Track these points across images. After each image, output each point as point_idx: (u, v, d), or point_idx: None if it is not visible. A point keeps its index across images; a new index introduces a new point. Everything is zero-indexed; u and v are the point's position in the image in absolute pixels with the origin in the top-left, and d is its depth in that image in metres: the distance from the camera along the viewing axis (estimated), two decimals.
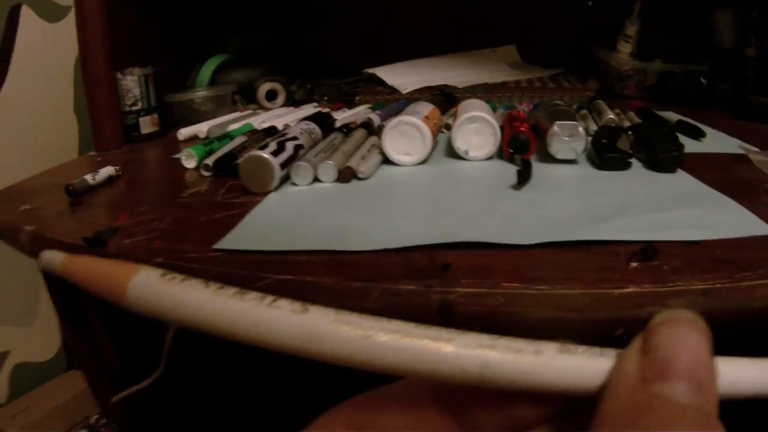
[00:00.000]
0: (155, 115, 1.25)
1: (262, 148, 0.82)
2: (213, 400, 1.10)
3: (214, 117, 1.30)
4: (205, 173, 0.92)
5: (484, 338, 0.30)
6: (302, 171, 0.83)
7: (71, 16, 1.48)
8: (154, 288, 0.26)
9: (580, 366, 0.29)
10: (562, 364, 0.29)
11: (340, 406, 0.33)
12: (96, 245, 0.65)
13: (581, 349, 0.30)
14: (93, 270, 0.27)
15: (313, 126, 0.96)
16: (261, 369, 1.11)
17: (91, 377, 0.95)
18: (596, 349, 0.30)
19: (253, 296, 0.28)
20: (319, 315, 0.28)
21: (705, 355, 0.28)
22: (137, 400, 0.92)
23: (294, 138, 0.88)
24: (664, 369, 0.27)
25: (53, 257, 0.26)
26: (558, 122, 0.87)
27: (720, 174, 0.84)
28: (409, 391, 0.34)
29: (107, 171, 0.91)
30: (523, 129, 0.90)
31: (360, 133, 0.99)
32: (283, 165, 0.81)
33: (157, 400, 0.98)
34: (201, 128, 1.21)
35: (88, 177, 0.87)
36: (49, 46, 1.62)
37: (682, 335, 0.28)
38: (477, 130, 0.92)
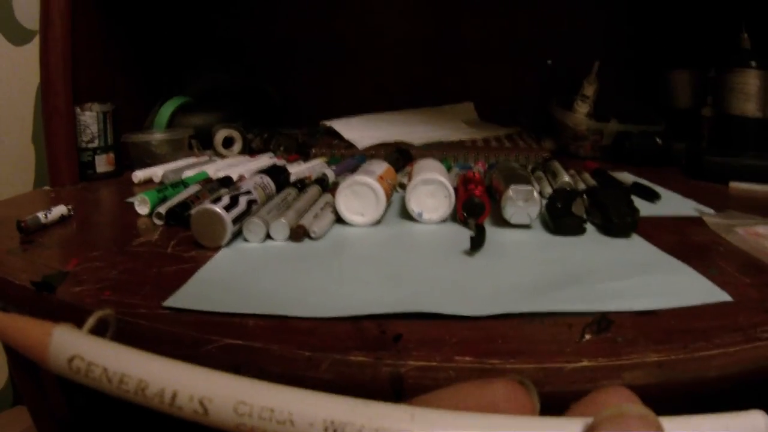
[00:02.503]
0: (111, 154, 1.25)
1: (215, 201, 0.81)
2: None
3: (170, 160, 1.29)
4: (158, 221, 0.91)
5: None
6: (255, 228, 0.82)
7: (37, 41, 1.47)
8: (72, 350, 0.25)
9: None
10: None
11: None
12: (44, 290, 0.64)
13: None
14: (14, 327, 0.25)
15: (267, 180, 0.96)
16: None
17: (36, 418, 0.93)
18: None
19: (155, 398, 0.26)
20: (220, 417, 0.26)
21: None
22: None
23: (248, 192, 0.87)
24: None
25: None
26: (513, 186, 0.87)
27: (675, 238, 0.85)
28: None
29: (60, 210, 0.90)
30: (477, 192, 0.90)
31: (314, 190, 0.98)
32: (236, 220, 0.80)
33: None
34: (156, 171, 1.21)
35: (41, 215, 0.87)
36: (12, 71, 1.59)
37: (631, 431, 0.24)
38: (431, 193, 0.92)
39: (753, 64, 1.28)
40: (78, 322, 0.62)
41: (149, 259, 0.75)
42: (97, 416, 0.94)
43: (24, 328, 0.26)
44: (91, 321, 0.29)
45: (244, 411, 0.24)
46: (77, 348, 0.25)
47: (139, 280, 0.68)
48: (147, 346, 0.57)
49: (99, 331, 0.30)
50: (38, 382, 0.88)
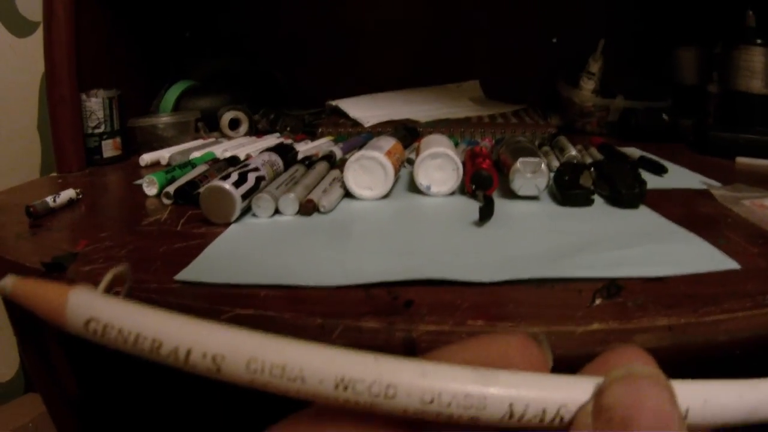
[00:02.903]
0: (118, 139, 1.25)
1: (223, 178, 0.81)
2: (172, 427, 1.09)
3: (176, 143, 1.29)
4: (166, 201, 0.91)
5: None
6: (263, 203, 0.82)
7: (39, 32, 1.46)
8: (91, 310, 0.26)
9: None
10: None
11: (281, 425, 0.27)
12: (55, 270, 0.64)
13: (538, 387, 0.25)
14: (33, 292, 0.26)
15: (275, 157, 0.96)
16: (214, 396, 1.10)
17: (49, 401, 0.93)
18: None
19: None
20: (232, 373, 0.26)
21: (670, 410, 0.23)
22: (96, 425, 0.91)
23: (256, 169, 0.87)
24: (623, 430, 0.23)
25: (9, 281, 0.25)
26: (521, 159, 0.87)
27: (683, 209, 0.85)
28: None
29: (68, 194, 0.90)
30: (485, 165, 0.90)
31: (322, 166, 0.98)
32: (245, 196, 0.80)
33: (115, 427, 0.96)
34: (163, 154, 1.21)
35: (49, 199, 0.87)
36: (16, 62, 1.59)
37: (640, 391, 0.24)
38: (439, 166, 0.92)
39: (759, 41, 1.27)
40: None
41: (159, 237, 0.75)
42: (108, 396, 0.94)
43: (41, 292, 0.26)
44: (107, 278, 0.29)
45: (255, 368, 0.24)
46: (93, 310, 0.25)
47: (149, 257, 0.68)
48: None
49: (116, 286, 0.30)
50: (49, 365, 0.88)
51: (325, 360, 0.25)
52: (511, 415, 0.24)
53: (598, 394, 0.24)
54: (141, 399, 0.96)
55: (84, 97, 1.18)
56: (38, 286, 0.26)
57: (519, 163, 0.87)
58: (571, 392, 0.25)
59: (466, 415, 0.24)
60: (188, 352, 0.25)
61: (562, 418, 0.24)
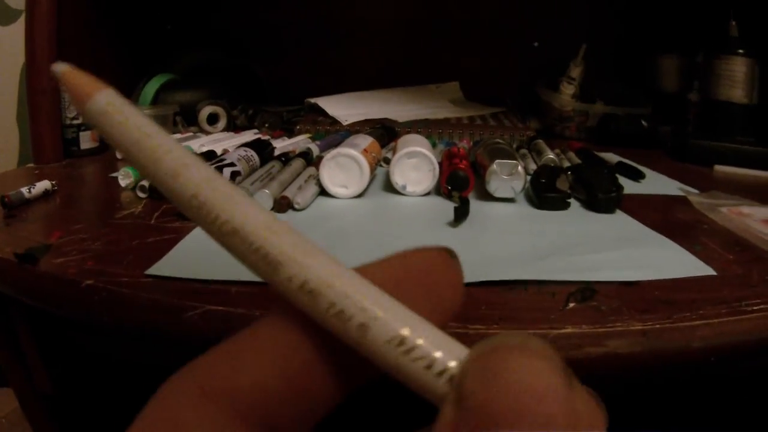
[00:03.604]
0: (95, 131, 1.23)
1: None
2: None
3: None
4: (141, 194, 0.90)
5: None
6: None
7: (22, 20, 1.45)
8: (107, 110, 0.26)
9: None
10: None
11: (188, 369, 0.24)
12: (27, 261, 0.64)
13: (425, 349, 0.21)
14: (72, 77, 0.27)
15: (251, 153, 0.95)
16: None
17: (21, 397, 0.93)
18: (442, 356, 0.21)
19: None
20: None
21: (541, 384, 0.19)
22: (70, 421, 0.91)
23: (231, 164, 0.86)
24: (483, 421, 0.18)
25: (60, 67, 0.26)
26: (497, 161, 0.87)
27: (659, 215, 0.85)
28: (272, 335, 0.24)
29: (43, 185, 0.89)
30: (462, 166, 0.90)
31: (298, 163, 0.98)
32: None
33: (90, 422, 0.96)
34: None
35: (24, 190, 0.86)
36: None
37: (502, 366, 0.19)
38: (415, 166, 0.91)
39: (740, 51, 1.28)
40: (61, 294, 0.62)
41: (132, 231, 0.75)
42: (81, 392, 0.93)
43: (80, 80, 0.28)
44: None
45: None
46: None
47: (122, 251, 0.68)
48: (130, 314, 0.57)
49: None
50: (21, 360, 0.87)
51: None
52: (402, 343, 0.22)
53: (459, 377, 0.20)
54: (116, 394, 0.95)
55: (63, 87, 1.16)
56: (80, 75, 0.27)
57: (495, 165, 0.87)
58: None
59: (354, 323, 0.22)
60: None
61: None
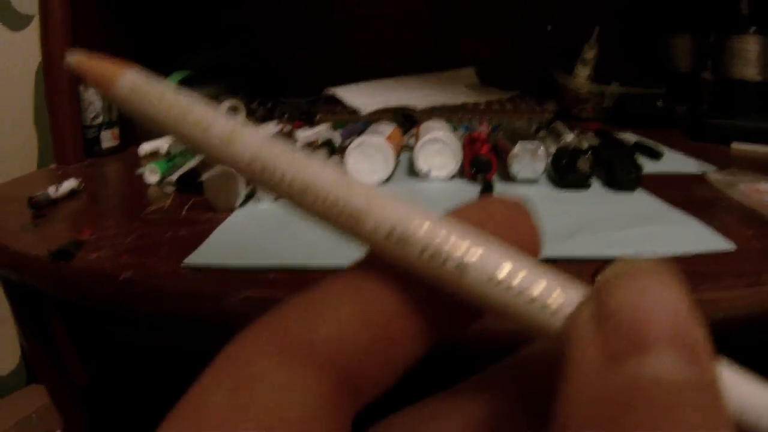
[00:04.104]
0: (116, 129, 1.25)
1: None
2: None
3: None
4: (169, 189, 0.91)
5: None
6: None
7: (33, 25, 1.46)
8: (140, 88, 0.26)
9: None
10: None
11: (263, 323, 0.23)
12: (61, 258, 0.65)
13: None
14: (90, 65, 0.26)
15: None
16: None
17: (53, 390, 0.93)
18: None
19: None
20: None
21: (686, 307, 0.19)
22: (102, 412, 0.92)
23: None
24: (636, 338, 0.18)
25: (74, 57, 0.26)
26: (519, 143, 0.88)
27: (678, 193, 0.85)
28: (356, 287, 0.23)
29: (70, 184, 0.90)
30: (483, 150, 0.91)
31: (322, 153, 0.99)
32: (249, 181, 0.81)
33: (121, 414, 0.97)
34: (161, 144, 1.21)
35: (51, 190, 0.87)
36: (9, 55, 1.60)
37: (648, 287, 0.19)
38: (439, 151, 0.93)
39: (753, 29, 1.28)
40: (98, 289, 0.62)
41: (164, 225, 0.76)
42: (114, 384, 0.95)
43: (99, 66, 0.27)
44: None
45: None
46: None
47: (155, 244, 0.69)
48: (169, 304, 0.58)
49: None
50: (54, 353, 0.88)
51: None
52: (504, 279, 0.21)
53: (598, 294, 0.20)
54: (148, 386, 0.96)
55: (82, 88, 1.18)
56: (97, 60, 0.26)
57: (517, 148, 0.88)
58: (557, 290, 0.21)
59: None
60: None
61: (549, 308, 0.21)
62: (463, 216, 0.24)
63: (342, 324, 0.22)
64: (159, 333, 0.82)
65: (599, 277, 0.20)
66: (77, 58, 0.26)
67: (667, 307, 0.19)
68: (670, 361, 0.18)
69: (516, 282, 0.21)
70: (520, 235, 0.25)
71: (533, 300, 0.21)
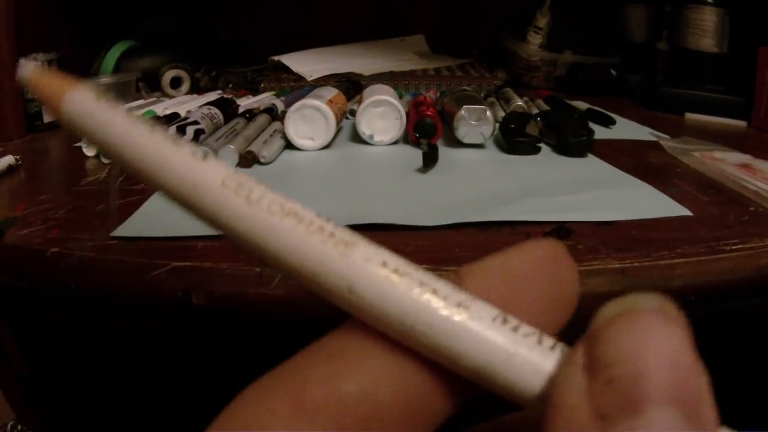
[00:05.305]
0: None
1: None
2: (132, 404, 1.08)
3: None
4: (106, 160, 0.89)
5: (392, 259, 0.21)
6: None
7: None
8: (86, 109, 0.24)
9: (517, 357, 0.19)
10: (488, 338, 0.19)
11: (272, 377, 0.19)
12: None
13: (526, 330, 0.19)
14: (40, 81, 0.24)
15: (215, 111, 0.94)
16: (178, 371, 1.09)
17: (1, 381, 0.92)
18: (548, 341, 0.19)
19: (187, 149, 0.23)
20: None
21: (688, 358, 0.17)
22: (53, 401, 0.91)
23: (195, 122, 0.85)
24: (632, 394, 0.16)
25: (27, 68, 0.24)
26: (465, 106, 0.86)
27: (631, 159, 0.85)
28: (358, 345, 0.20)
29: (7, 160, 0.88)
30: (429, 113, 0.88)
31: (263, 119, 0.96)
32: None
33: (73, 405, 0.96)
34: None
35: None
36: None
37: (648, 334, 0.17)
38: (382, 114, 0.90)
39: (710, 1, 1.27)
40: (27, 265, 0.61)
41: (97, 196, 0.74)
42: (56, 367, 0.92)
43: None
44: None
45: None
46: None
47: (86, 217, 0.67)
48: (96, 278, 0.56)
49: None
50: None
51: None
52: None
53: (591, 339, 0.18)
54: (94, 369, 0.95)
55: (22, 61, 1.14)
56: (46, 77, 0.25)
57: (463, 111, 0.86)
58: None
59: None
60: None
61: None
62: (504, 262, 0.22)
63: (371, 377, 0.19)
64: (96, 315, 0.81)
65: (595, 318, 0.18)
66: (29, 73, 0.24)
67: (668, 358, 0.17)
68: (669, 420, 0.16)
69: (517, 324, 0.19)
70: (559, 283, 0.23)
71: (537, 342, 0.19)
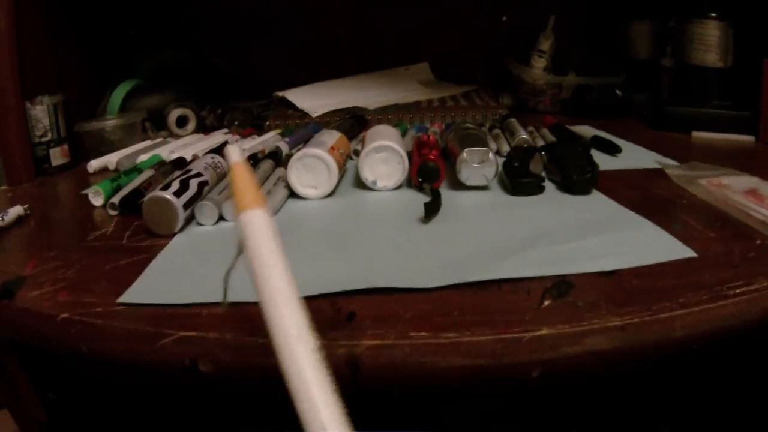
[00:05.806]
0: (65, 146, 1.22)
1: (165, 187, 0.79)
2: None
3: (124, 146, 1.27)
4: (112, 212, 0.89)
5: None
6: (207, 210, 0.80)
7: None
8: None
9: None
10: None
11: None
12: (4, 297, 0.63)
13: None
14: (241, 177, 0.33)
15: (218, 159, 0.93)
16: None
17: (19, 423, 0.92)
18: None
19: None
20: None
21: None
22: None
23: (198, 174, 0.85)
24: None
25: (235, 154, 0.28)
26: (467, 149, 0.86)
27: (636, 192, 0.84)
28: None
29: (16, 211, 0.88)
30: (432, 156, 0.88)
31: (267, 165, 0.96)
32: (187, 205, 0.78)
33: None
34: (111, 159, 1.18)
35: None
36: None
37: None
38: (384, 160, 0.90)
39: (713, 15, 1.27)
40: (39, 328, 0.61)
41: (105, 254, 0.74)
42: (72, 414, 0.93)
43: None
44: None
45: None
46: None
47: (94, 277, 0.67)
48: (104, 344, 0.56)
49: None
50: (12, 386, 0.86)
51: None
52: None
53: None
54: (110, 416, 0.95)
55: (28, 105, 1.15)
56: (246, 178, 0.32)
57: (465, 153, 0.85)
58: None
59: None
60: None
61: None
62: None
63: None
64: (108, 370, 0.81)
65: None
66: (236, 161, 0.34)
67: None
68: None
69: None
70: None
71: None
